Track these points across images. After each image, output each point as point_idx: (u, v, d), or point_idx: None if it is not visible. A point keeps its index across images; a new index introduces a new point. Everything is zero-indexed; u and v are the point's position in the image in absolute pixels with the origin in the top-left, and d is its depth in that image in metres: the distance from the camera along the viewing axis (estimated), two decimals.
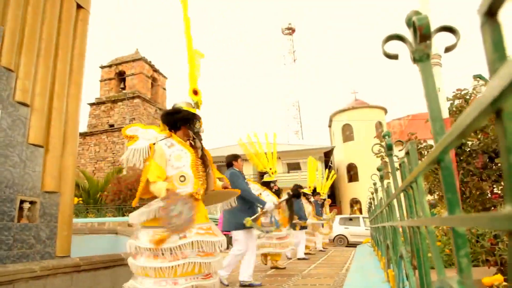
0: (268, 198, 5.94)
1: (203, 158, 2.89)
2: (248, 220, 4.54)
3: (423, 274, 0.93)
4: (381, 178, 2.30)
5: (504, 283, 1.50)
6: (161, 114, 2.99)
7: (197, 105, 2.98)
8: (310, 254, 9.06)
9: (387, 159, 1.60)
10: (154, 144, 2.74)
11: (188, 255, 2.46)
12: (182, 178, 2.67)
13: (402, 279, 1.50)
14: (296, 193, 5.76)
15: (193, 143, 2.85)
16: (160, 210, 2.41)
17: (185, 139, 2.86)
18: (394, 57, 0.63)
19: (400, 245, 1.59)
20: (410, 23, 0.60)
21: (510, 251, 0.32)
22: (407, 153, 1.01)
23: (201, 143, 2.86)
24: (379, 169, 2.25)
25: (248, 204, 4.74)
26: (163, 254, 2.45)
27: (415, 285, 1.04)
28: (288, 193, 5.54)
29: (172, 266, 2.42)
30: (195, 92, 2.97)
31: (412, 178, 0.85)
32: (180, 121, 2.84)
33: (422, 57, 0.62)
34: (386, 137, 1.37)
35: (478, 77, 6.58)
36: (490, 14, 0.32)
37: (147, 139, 2.77)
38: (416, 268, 1.00)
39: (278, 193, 6.23)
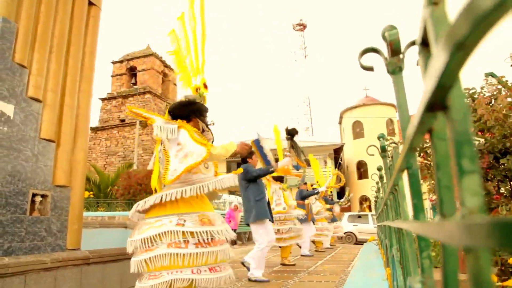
0: (278, 192, 6.18)
1: None
2: (284, 188, 4.77)
3: (405, 274, 0.96)
4: (381, 178, 2.32)
5: (498, 283, 1.52)
6: (173, 105, 2.91)
7: (204, 100, 3.03)
8: (319, 251, 9.12)
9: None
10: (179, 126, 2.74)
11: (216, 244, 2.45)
12: (206, 165, 2.72)
13: (396, 278, 1.53)
14: (292, 132, 5.84)
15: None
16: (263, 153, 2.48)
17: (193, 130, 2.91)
18: (370, 69, 0.66)
19: (393, 244, 1.62)
20: (384, 38, 0.64)
21: (442, 261, 0.35)
22: (392, 158, 1.04)
23: (212, 135, 2.91)
24: (379, 169, 2.27)
25: (262, 194, 4.94)
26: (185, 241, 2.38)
27: (403, 284, 1.07)
28: (286, 137, 5.64)
29: (201, 253, 2.36)
30: (206, 86, 3.02)
31: (392, 183, 0.89)
32: (194, 113, 2.86)
33: (394, 70, 0.65)
34: (381, 139, 1.40)
35: (490, 75, 6.50)
36: (425, 44, 0.35)
37: (165, 123, 2.75)
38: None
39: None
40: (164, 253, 2.32)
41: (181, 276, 2.31)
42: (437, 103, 0.29)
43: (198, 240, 2.38)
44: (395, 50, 0.62)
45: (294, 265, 6.42)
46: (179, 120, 2.80)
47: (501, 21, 0.16)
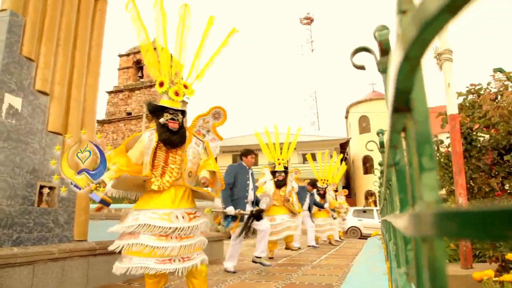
0: (268, 186, 6.23)
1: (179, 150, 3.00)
2: (208, 210, 4.75)
3: (398, 267, 0.99)
4: (382, 173, 2.33)
5: (494, 278, 1.54)
6: None
7: (174, 96, 2.99)
8: (331, 244, 9.26)
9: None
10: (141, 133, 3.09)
11: (140, 237, 2.68)
12: (145, 165, 2.95)
13: (392, 271, 1.55)
14: (257, 214, 5.75)
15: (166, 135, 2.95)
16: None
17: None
18: (361, 67, 0.68)
19: (391, 238, 1.64)
20: (375, 37, 0.65)
21: (414, 253, 0.37)
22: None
23: (168, 134, 2.91)
24: (380, 164, 2.29)
25: (236, 196, 4.89)
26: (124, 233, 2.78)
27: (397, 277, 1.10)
28: (251, 211, 5.46)
29: (128, 244, 2.71)
30: (161, 84, 3.03)
31: (385, 178, 0.91)
32: (151, 115, 3.02)
33: (385, 69, 0.67)
34: (380, 134, 1.42)
35: (499, 70, 6.46)
36: None
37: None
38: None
39: (281, 183, 6.38)
40: (147, 244, 2.74)
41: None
42: (400, 105, 0.31)
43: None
44: (384, 50, 0.64)
45: (298, 249, 6.61)
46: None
47: (445, 28, 0.18)
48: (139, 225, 2.71)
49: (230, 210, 4.80)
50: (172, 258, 2.67)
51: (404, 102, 0.30)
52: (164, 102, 2.97)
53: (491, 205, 0.15)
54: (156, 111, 2.96)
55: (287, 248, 6.80)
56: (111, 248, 2.86)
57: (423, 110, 0.30)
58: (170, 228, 2.70)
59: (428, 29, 0.18)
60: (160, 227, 2.69)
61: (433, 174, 0.28)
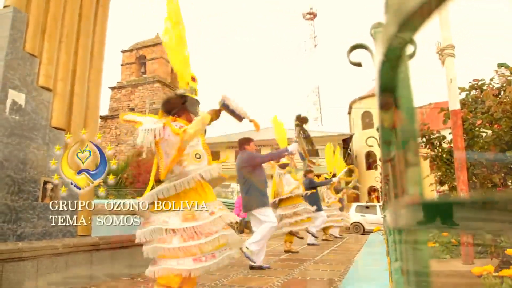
0: (290, 180, 6.31)
1: None
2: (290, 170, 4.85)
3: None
4: None
5: (494, 273, 1.55)
6: (164, 101, 3.11)
7: (195, 92, 3.10)
8: (328, 240, 9.15)
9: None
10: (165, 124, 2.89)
11: (218, 230, 2.60)
12: (197, 156, 2.82)
13: (392, 266, 1.57)
14: (301, 120, 5.84)
15: None
16: (229, 112, 2.74)
17: (187, 123, 2.99)
18: (358, 65, 0.68)
19: (391, 233, 1.66)
20: (371, 35, 0.66)
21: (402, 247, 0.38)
22: None
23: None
24: (381, 160, 2.28)
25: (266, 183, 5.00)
26: (196, 232, 2.55)
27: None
28: (297, 124, 5.63)
29: (209, 241, 2.54)
30: (193, 79, 3.08)
31: (383, 173, 0.92)
32: (187, 106, 2.98)
33: None
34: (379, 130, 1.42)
35: (502, 65, 6.43)
36: None
37: (153, 122, 2.86)
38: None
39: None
40: (224, 234, 2.62)
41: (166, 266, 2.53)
42: (386, 103, 0.32)
43: (181, 235, 2.55)
44: None
45: (297, 252, 6.54)
46: (170, 116, 2.92)
47: (418, 31, 0.19)
48: (220, 217, 2.64)
49: (293, 146, 5.07)
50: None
51: (389, 99, 0.31)
52: (193, 96, 3.04)
53: (442, 197, 0.16)
54: (193, 103, 3.00)
55: (286, 251, 6.63)
56: (197, 251, 2.58)
57: (408, 108, 0.31)
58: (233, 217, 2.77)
59: (402, 31, 0.19)
60: (232, 216, 2.73)
61: (417, 169, 0.29)
